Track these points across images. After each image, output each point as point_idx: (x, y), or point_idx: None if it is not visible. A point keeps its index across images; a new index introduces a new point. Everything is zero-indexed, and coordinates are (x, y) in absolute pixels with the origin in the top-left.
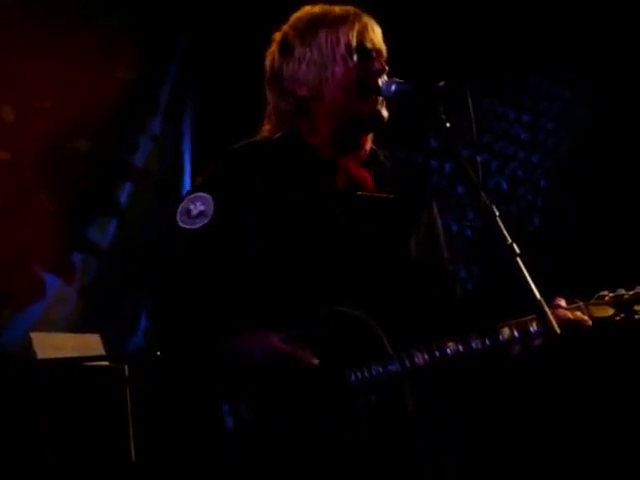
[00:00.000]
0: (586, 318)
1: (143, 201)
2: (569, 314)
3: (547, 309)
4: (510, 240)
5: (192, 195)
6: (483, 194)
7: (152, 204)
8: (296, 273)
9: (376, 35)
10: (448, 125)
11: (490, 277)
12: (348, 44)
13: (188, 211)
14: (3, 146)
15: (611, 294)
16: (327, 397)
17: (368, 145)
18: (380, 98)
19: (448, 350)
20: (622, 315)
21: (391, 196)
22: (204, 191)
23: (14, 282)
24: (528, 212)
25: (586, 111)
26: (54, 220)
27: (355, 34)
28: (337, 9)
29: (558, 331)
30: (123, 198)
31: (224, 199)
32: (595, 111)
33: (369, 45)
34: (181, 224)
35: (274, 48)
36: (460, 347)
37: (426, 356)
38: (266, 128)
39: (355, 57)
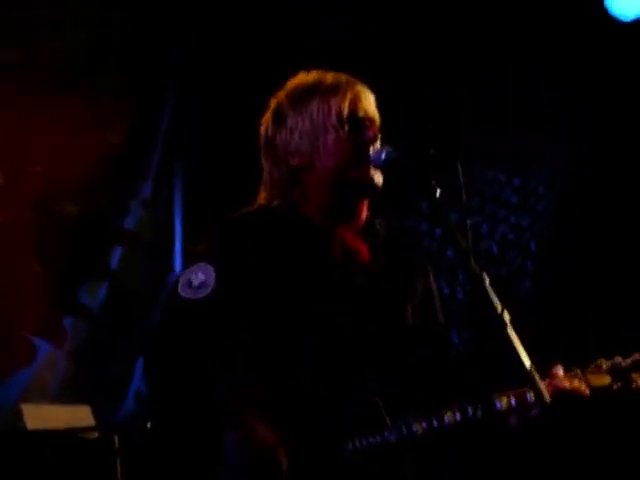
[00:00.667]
0: (584, 387)
1: (134, 265)
2: (567, 383)
3: (538, 378)
4: (500, 308)
5: (192, 266)
6: (473, 261)
7: (143, 268)
8: (293, 343)
9: (369, 103)
10: (439, 193)
11: (481, 342)
12: (339, 113)
13: (189, 282)
14: None
15: (608, 362)
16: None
17: (364, 214)
18: (373, 165)
19: (446, 419)
20: (620, 383)
21: (386, 267)
22: (204, 261)
23: (3, 347)
24: (519, 275)
25: (576, 173)
26: (44, 284)
27: (347, 103)
28: (330, 78)
29: (549, 400)
30: (114, 262)
31: (225, 269)
32: (585, 173)
33: (361, 114)
34: (183, 295)
35: (268, 116)
36: (458, 416)
37: (424, 425)
38: (262, 196)
39: (347, 126)
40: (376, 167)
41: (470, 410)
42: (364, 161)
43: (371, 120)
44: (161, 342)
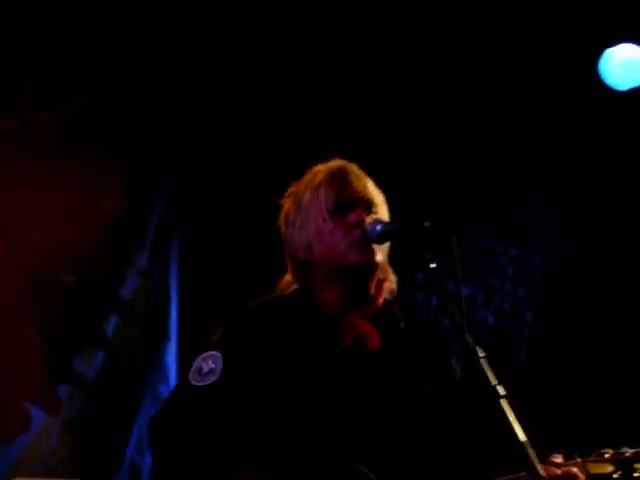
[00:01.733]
0: (580, 474)
1: (129, 333)
2: (559, 470)
3: (532, 454)
4: (495, 382)
5: (205, 354)
6: (467, 335)
7: (138, 336)
8: (301, 430)
9: (358, 186)
10: (433, 266)
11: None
12: (327, 201)
13: (200, 369)
14: None
15: (612, 451)
16: None
17: (380, 298)
18: (369, 245)
19: None
20: (621, 472)
21: (400, 352)
22: (215, 350)
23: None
24: (514, 345)
25: (572, 243)
26: (40, 352)
27: (334, 190)
28: (323, 169)
29: (544, 475)
30: (109, 330)
31: (233, 357)
32: (580, 243)
33: (349, 197)
34: (192, 382)
35: (281, 216)
36: None
37: None
38: (286, 279)
39: (334, 212)
40: (371, 241)
41: None
42: (357, 243)
43: (362, 201)
44: (167, 427)
